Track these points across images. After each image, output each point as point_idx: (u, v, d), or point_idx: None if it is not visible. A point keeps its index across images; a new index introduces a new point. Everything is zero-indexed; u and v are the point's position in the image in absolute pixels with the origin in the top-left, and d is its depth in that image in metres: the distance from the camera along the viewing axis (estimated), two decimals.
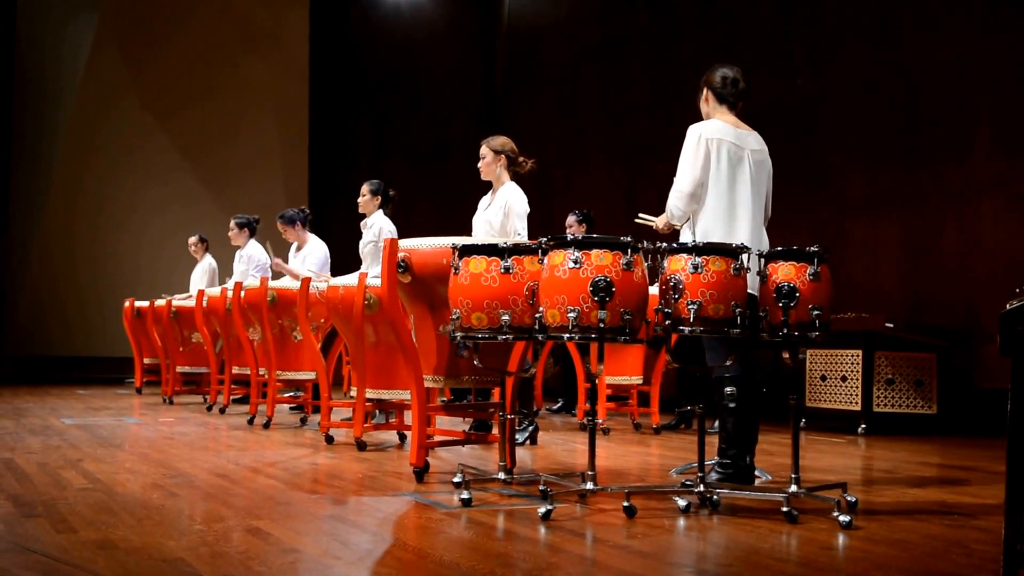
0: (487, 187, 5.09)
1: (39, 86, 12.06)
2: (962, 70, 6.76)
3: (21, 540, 2.61)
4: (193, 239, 8.60)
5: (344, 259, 6.92)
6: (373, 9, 12.69)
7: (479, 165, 4.94)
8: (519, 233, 4.77)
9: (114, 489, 3.49)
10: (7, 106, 12.06)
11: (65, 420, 6.24)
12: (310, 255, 6.77)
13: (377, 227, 5.89)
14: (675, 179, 3.69)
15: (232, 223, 7.70)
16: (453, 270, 3.42)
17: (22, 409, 7.07)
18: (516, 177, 4.97)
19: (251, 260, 7.55)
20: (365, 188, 6.02)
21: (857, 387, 6.21)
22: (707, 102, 3.80)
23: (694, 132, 3.68)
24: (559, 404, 7.66)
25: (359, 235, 6.13)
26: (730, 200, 3.62)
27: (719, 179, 3.62)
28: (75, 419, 6.34)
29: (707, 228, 3.60)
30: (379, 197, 6.00)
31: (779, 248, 3.26)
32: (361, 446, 4.83)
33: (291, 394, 7.20)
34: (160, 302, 8.26)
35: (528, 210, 4.88)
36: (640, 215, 3.94)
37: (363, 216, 6.06)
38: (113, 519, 2.92)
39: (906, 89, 7.14)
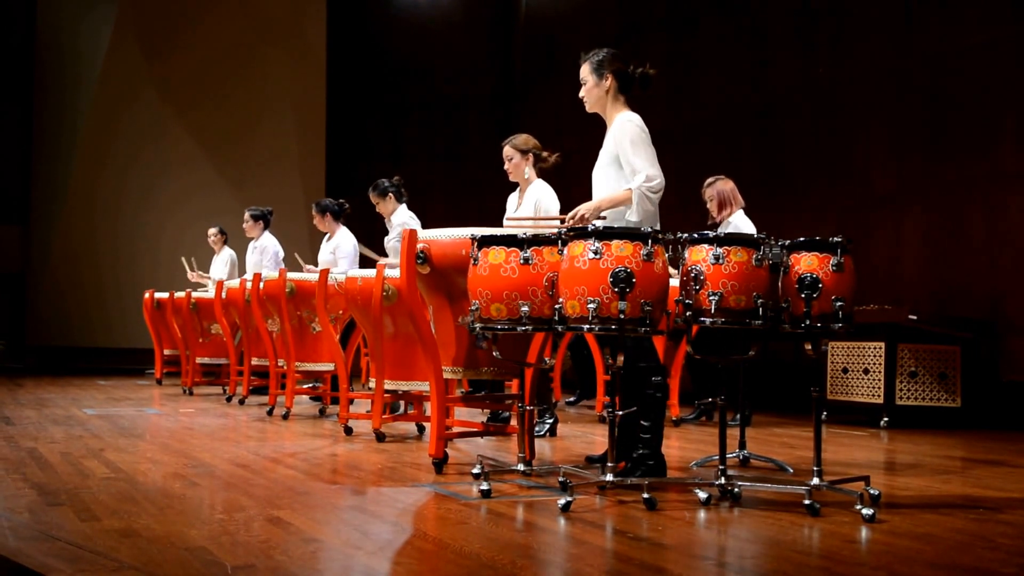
0: (505, 178, 5.07)
1: (58, 78, 12.13)
2: (989, 58, 6.66)
3: (45, 528, 2.63)
4: (213, 231, 8.64)
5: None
6: (390, 0, 12.68)
7: (507, 167, 4.89)
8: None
9: (136, 478, 3.51)
10: (27, 99, 12.14)
11: (87, 410, 6.29)
12: (340, 247, 6.79)
13: (402, 224, 5.89)
14: (645, 171, 3.54)
15: (247, 215, 7.75)
16: (472, 261, 3.40)
17: (44, 399, 7.14)
18: (541, 172, 4.93)
19: (265, 252, 7.59)
20: (372, 195, 6.01)
21: (880, 380, 6.15)
22: (609, 89, 3.68)
23: (641, 122, 3.61)
24: (575, 396, 7.64)
25: (376, 228, 6.14)
26: None
27: None
28: (97, 409, 6.39)
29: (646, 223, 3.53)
30: (390, 193, 6.00)
31: (802, 238, 3.23)
32: (380, 437, 4.83)
33: (310, 385, 7.22)
34: (180, 294, 8.31)
35: (559, 206, 4.81)
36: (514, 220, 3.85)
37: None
38: (135, 508, 2.94)
39: (931, 78, 7.05)
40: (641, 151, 3.56)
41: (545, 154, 4.85)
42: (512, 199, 5.03)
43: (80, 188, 11.87)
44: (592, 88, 3.71)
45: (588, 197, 3.71)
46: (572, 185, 5.06)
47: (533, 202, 4.80)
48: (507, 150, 4.88)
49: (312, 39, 12.55)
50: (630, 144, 3.57)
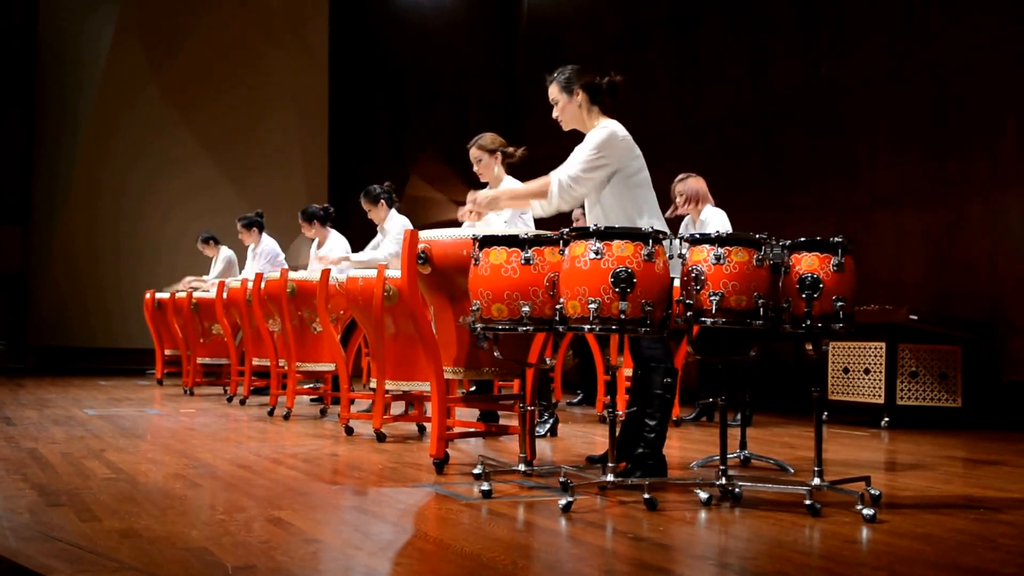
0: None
1: (60, 78, 12.13)
2: (990, 58, 6.66)
3: (46, 528, 2.63)
4: (200, 242, 8.65)
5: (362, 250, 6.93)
6: (392, 1, 12.69)
7: (476, 169, 4.84)
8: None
9: (137, 479, 3.51)
10: (28, 98, 12.15)
11: (88, 411, 6.29)
12: (331, 251, 6.78)
13: (393, 232, 5.85)
14: (582, 165, 3.52)
15: (238, 225, 7.74)
16: (473, 261, 3.41)
17: (45, 400, 7.14)
18: (509, 169, 4.91)
19: (260, 255, 7.60)
20: (364, 202, 6.01)
21: (880, 380, 6.15)
22: (582, 104, 3.68)
23: (617, 129, 3.60)
24: (579, 397, 7.64)
25: (376, 230, 6.13)
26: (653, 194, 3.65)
27: (645, 175, 3.62)
28: (97, 410, 6.39)
29: (652, 223, 3.53)
30: (382, 200, 5.99)
31: (803, 239, 3.23)
32: (381, 437, 4.83)
33: (311, 385, 7.22)
34: (181, 293, 8.31)
35: None
36: None
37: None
38: (136, 508, 2.94)
39: (933, 77, 7.04)
40: (592, 153, 3.53)
41: (511, 149, 4.83)
42: None
43: (81, 188, 11.86)
44: (565, 106, 3.71)
45: None
46: None
47: None
48: (474, 152, 4.84)
49: (314, 38, 12.55)
50: (589, 141, 3.57)
